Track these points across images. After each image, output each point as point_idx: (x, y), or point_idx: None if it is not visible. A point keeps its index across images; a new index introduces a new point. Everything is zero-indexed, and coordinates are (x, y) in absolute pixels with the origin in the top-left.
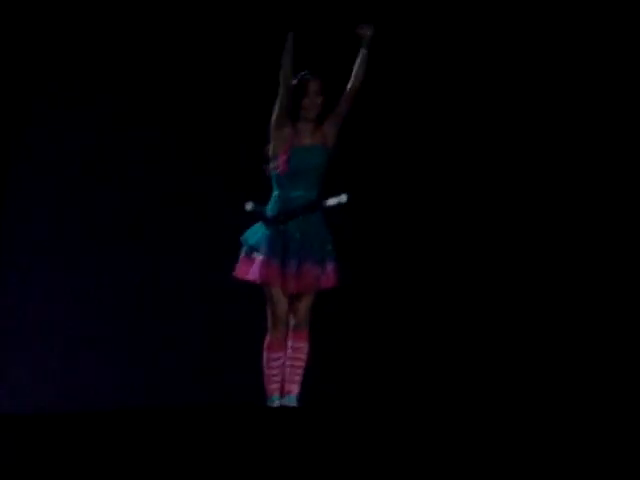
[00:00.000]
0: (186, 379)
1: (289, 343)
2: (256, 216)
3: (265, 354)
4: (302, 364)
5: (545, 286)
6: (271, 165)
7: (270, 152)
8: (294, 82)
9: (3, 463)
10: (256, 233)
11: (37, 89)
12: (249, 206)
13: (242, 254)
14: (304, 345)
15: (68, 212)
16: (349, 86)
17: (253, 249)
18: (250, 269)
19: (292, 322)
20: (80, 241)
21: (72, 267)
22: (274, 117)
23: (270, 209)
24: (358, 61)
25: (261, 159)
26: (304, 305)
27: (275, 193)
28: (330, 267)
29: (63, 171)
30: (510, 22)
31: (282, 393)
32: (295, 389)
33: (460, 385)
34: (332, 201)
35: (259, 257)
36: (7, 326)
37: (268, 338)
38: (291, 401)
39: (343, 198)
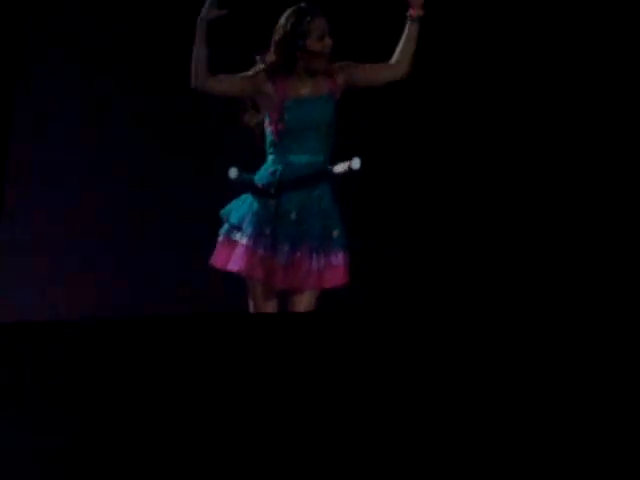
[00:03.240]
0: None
1: None
2: (241, 187)
3: None
4: None
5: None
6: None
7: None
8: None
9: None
10: (240, 208)
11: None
12: (233, 173)
13: (221, 235)
14: None
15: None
16: (392, 69)
17: (235, 229)
18: (231, 257)
19: None
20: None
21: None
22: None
23: (260, 177)
24: (404, 40)
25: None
26: (303, 307)
27: (270, 158)
28: (338, 259)
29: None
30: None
31: None
32: None
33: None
34: (340, 167)
35: (242, 241)
36: None
37: None
38: None
39: (355, 163)
